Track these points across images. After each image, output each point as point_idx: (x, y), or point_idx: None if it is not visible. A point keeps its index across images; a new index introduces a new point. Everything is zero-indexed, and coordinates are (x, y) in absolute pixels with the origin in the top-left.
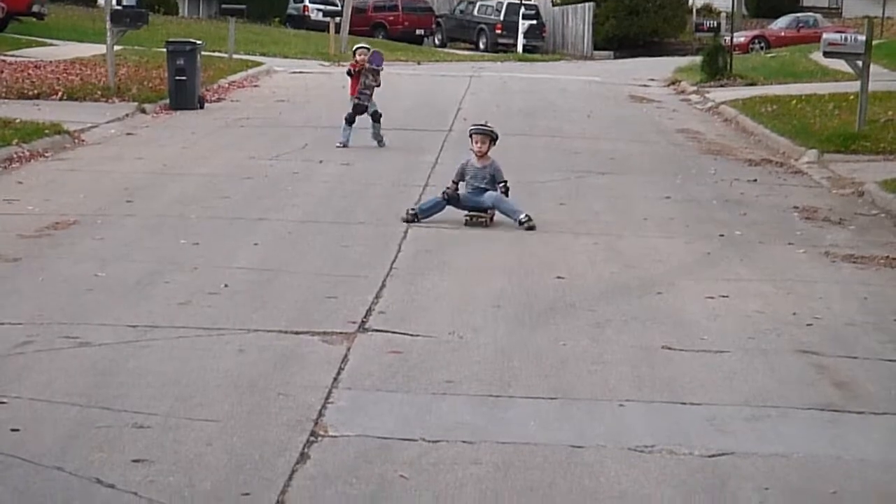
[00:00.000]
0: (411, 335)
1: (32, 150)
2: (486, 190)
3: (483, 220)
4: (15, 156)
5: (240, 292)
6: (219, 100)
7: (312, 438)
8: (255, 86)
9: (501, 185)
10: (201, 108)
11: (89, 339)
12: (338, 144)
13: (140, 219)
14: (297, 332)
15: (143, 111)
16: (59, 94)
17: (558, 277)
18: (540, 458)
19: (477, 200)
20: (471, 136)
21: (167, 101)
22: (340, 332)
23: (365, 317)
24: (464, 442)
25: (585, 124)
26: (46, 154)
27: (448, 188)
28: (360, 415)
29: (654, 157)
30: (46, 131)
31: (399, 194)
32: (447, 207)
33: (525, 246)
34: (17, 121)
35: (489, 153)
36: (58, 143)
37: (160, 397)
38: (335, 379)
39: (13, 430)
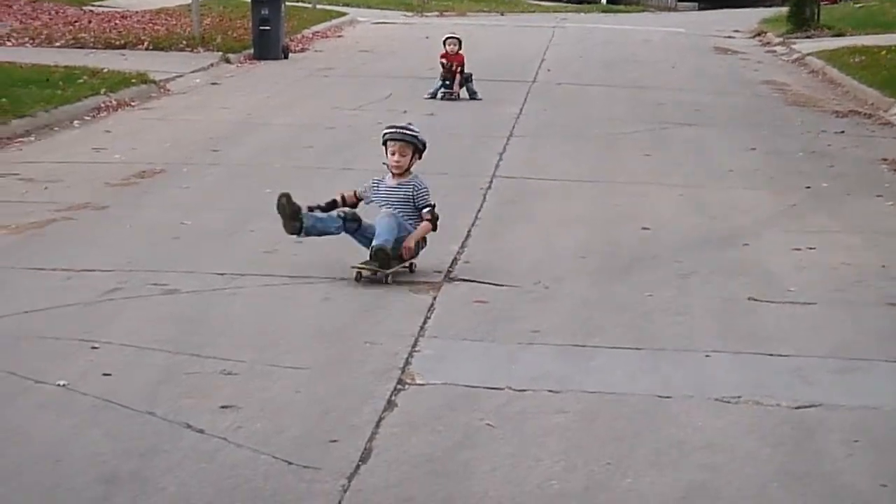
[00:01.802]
0: (496, 285)
1: (120, 100)
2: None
3: (379, 274)
4: (103, 105)
5: (324, 240)
6: (302, 50)
7: (399, 386)
8: (339, 36)
9: (426, 210)
10: (285, 58)
11: (177, 286)
12: (425, 96)
13: (225, 168)
14: (383, 281)
15: (228, 61)
16: (145, 43)
17: (643, 228)
18: (625, 407)
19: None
20: (385, 143)
21: (251, 50)
22: (426, 282)
23: (450, 266)
24: (549, 391)
25: (669, 76)
26: (133, 103)
27: (345, 200)
28: (446, 363)
29: (738, 108)
30: (133, 81)
31: (483, 145)
32: (342, 234)
33: (610, 197)
34: (105, 70)
35: (412, 168)
36: (144, 92)
37: (247, 345)
38: (421, 328)
39: (105, 374)
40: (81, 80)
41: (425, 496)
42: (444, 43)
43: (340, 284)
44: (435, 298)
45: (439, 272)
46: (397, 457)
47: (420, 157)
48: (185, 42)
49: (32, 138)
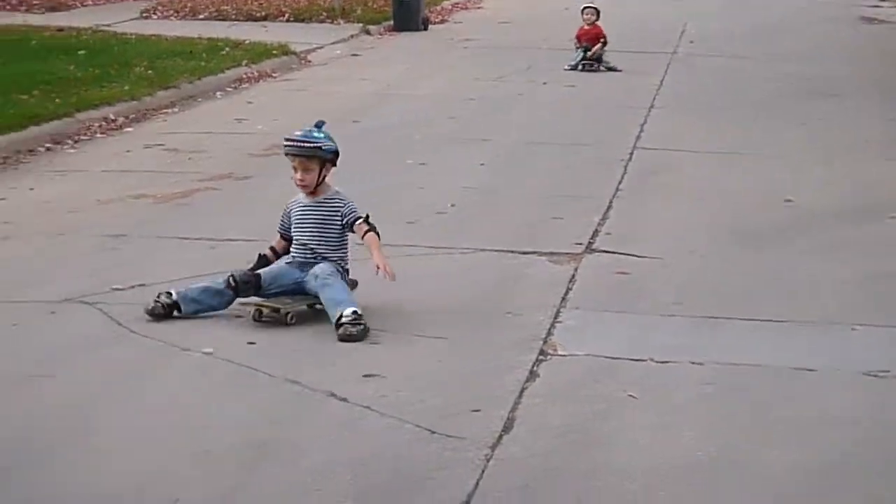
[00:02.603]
0: (638, 256)
1: (261, 71)
2: (322, 260)
3: (285, 314)
4: (245, 76)
5: (466, 212)
6: (442, 21)
7: (541, 357)
8: (479, 7)
9: (360, 222)
10: (425, 29)
11: None
12: (566, 67)
13: (366, 138)
14: (524, 252)
15: (368, 32)
16: (286, 15)
17: (787, 200)
18: (768, 379)
19: (295, 279)
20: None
21: (391, 22)
22: (567, 253)
23: (591, 237)
24: (691, 363)
25: (813, 46)
26: (274, 74)
27: (276, 251)
28: (588, 334)
29: (885, 80)
30: (274, 52)
31: (624, 116)
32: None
33: (753, 169)
34: (247, 42)
35: (327, 179)
36: (285, 63)
37: (389, 314)
38: (563, 299)
39: (249, 343)
40: (224, 52)
41: (569, 466)
42: (582, 12)
43: (482, 256)
44: (576, 270)
45: (580, 243)
46: (540, 427)
47: (334, 166)
48: (325, 14)
49: (177, 109)
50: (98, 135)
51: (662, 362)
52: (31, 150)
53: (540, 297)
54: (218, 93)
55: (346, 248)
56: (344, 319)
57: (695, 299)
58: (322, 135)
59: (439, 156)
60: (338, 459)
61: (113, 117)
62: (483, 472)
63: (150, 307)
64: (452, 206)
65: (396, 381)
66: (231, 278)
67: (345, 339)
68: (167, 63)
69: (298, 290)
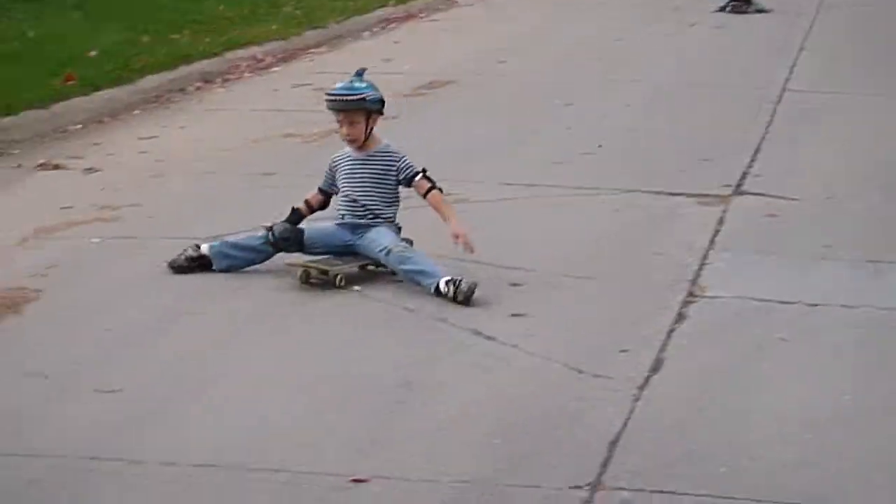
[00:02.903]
0: (787, 199)
1: (408, 11)
2: (374, 217)
3: (334, 276)
4: (391, 16)
5: (614, 153)
6: None
7: (690, 298)
8: None
9: (420, 178)
10: None
11: (466, 195)
12: (714, 9)
13: (513, 79)
14: (671, 194)
15: None
16: None
17: None
18: None
19: (345, 241)
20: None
21: None
22: (716, 195)
23: (740, 179)
24: (842, 306)
25: None
26: (421, 15)
27: (310, 205)
28: (737, 276)
29: None
30: None
31: (773, 58)
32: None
33: None
34: None
35: (374, 132)
36: (432, 4)
37: (536, 254)
38: (711, 240)
39: (398, 280)
40: None
41: (717, 408)
42: None
43: (629, 197)
44: (725, 211)
45: (728, 185)
46: (688, 368)
47: (381, 115)
48: None
49: (324, 49)
50: (246, 74)
51: (813, 305)
52: (181, 89)
53: (688, 239)
54: (365, 33)
55: (398, 204)
56: (443, 287)
57: (845, 243)
58: (365, 84)
59: (586, 97)
60: (485, 397)
61: (261, 57)
62: (631, 412)
63: (173, 260)
64: (599, 146)
65: (543, 320)
66: (271, 233)
67: (467, 297)
68: (315, 3)
69: (347, 252)
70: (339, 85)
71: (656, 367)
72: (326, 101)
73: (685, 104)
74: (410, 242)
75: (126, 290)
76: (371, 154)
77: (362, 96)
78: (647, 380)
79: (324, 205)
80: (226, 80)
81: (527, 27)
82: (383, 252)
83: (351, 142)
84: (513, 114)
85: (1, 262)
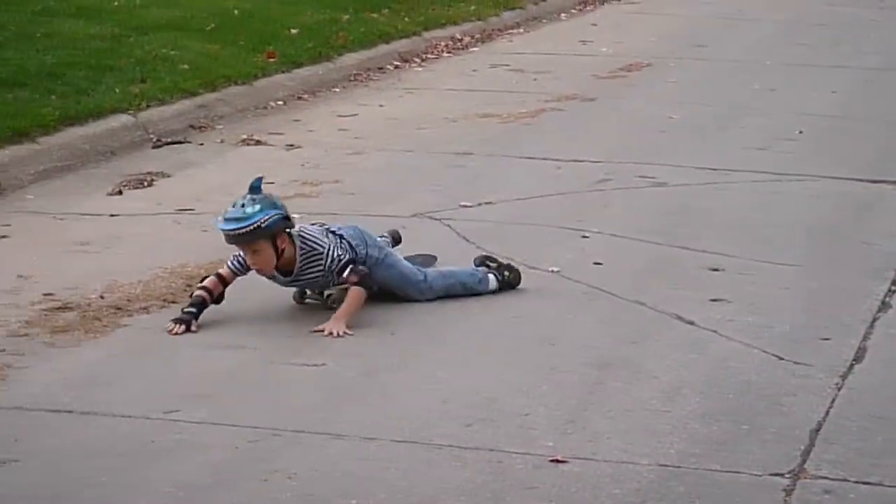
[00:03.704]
0: None
1: None
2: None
3: (327, 297)
4: None
5: (816, 139)
6: None
7: (894, 287)
8: None
9: (348, 273)
10: None
11: (665, 179)
12: None
13: (712, 63)
14: (874, 181)
15: None
16: None
17: None
18: None
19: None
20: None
21: None
22: None
23: None
24: None
25: None
26: None
27: (211, 294)
28: None
29: None
30: None
31: None
32: None
33: None
34: None
35: (286, 249)
36: None
37: (735, 239)
38: None
39: (595, 263)
40: None
41: None
42: None
43: (830, 183)
44: None
45: None
46: (892, 358)
47: (289, 231)
48: None
49: (522, 30)
50: (444, 54)
51: None
52: (380, 68)
53: (892, 227)
54: (562, 14)
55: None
56: (501, 278)
57: None
58: (257, 206)
59: (788, 82)
60: (685, 381)
61: (459, 36)
62: (833, 400)
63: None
64: (800, 132)
65: (743, 305)
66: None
67: (516, 281)
68: None
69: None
70: (229, 211)
71: (859, 356)
72: (225, 229)
73: (892, 90)
74: (433, 258)
75: None
76: (294, 272)
77: (254, 225)
78: (849, 368)
79: (223, 293)
80: (424, 60)
81: (730, 9)
82: (418, 292)
83: (258, 271)
84: (712, 97)
85: (205, 236)
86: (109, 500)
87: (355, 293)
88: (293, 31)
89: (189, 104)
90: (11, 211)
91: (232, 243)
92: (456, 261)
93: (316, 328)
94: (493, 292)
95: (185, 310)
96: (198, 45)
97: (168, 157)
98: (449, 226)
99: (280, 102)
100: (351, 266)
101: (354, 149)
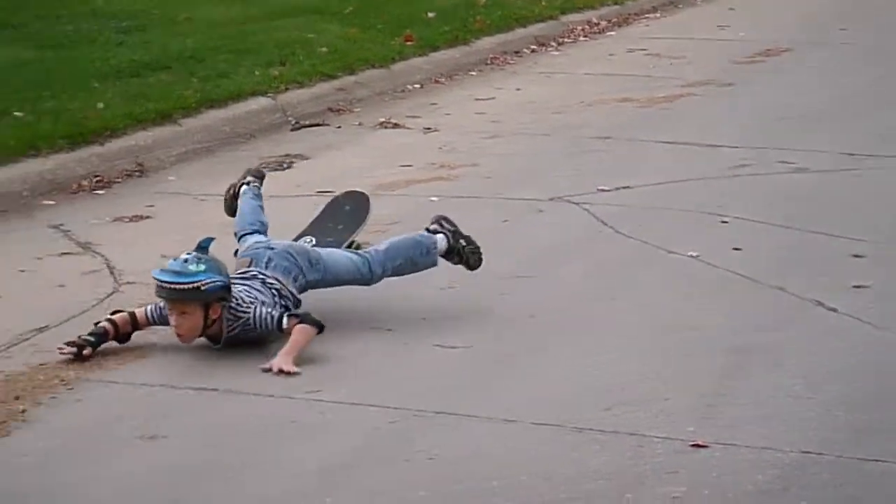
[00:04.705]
0: None
1: None
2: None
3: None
4: None
5: None
6: None
7: None
8: None
9: (289, 320)
10: None
11: (804, 164)
12: None
13: (853, 47)
14: None
15: None
16: None
17: None
18: None
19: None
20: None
21: None
22: None
23: None
24: None
25: None
26: None
27: (117, 328)
28: None
29: None
30: None
31: None
32: None
33: None
34: None
35: (216, 320)
36: None
37: (877, 225)
38: None
39: (734, 248)
40: None
41: None
42: None
43: None
44: None
45: None
46: None
47: (228, 301)
48: None
49: (658, 14)
50: (581, 38)
51: None
52: (516, 52)
53: None
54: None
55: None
56: (453, 241)
57: None
58: (202, 266)
59: None
60: (826, 368)
61: (596, 20)
62: None
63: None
64: None
65: (886, 293)
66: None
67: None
68: None
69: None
70: (170, 263)
71: None
72: (155, 285)
73: None
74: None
75: None
76: (226, 339)
77: (193, 285)
78: None
79: (130, 333)
80: (560, 44)
81: None
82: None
83: (179, 336)
84: (852, 83)
85: None
86: (253, 477)
87: (302, 331)
88: (430, 14)
89: (327, 87)
90: (155, 192)
91: (162, 297)
92: (594, 246)
93: (264, 366)
94: (444, 256)
95: (84, 336)
96: (336, 28)
97: (306, 140)
98: (587, 209)
99: (417, 86)
100: (287, 316)
101: (491, 132)
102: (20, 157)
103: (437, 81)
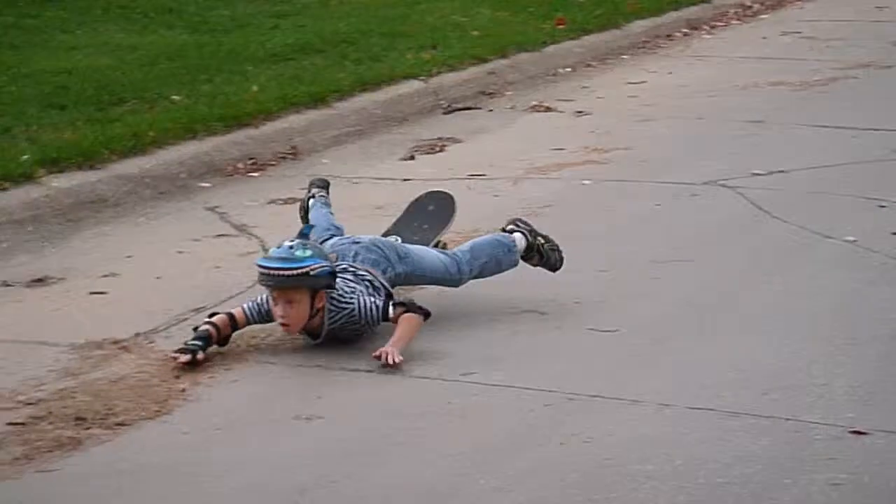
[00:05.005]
0: None
1: None
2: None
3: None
4: None
5: None
6: None
7: None
8: None
9: (391, 311)
10: None
11: None
12: None
13: None
14: None
15: None
16: None
17: None
18: None
19: None
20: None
21: None
22: None
23: None
24: None
25: None
26: None
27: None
28: None
29: None
30: None
31: None
32: None
33: None
34: None
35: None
36: None
37: None
38: None
39: (893, 233)
40: None
41: None
42: None
43: None
44: None
45: None
46: None
47: (333, 288)
48: None
49: None
50: (733, 21)
51: None
52: (668, 35)
53: None
54: None
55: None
56: (532, 239)
57: None
58: (308, 252)
59: None
60: None
61: (749, 4)
62: None
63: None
64: None
65: None
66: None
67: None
68: None
69: None
70: (273, 251)
71: None
72: (259, 274)
73: None
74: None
75: (619, 233)
76: (326, 333)
77: (304, 270)
78: None
79: (230, 335)
80: (713, 27)
81: None
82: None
83: (285, 327)
84: None
85: (497, 201)
86: (407, 458)
87: (409, 319)
88: None
89: (479, 70)
90: (309, 175)
91: (268, 286)
92: (749, 230)
93: (374, 353)
94: (524, 257)
95: (190, 342)
96: (488, 11)
97: (458, 123)
98: (741, 194)
99: (569, 69)
100: (392, 304)
101: (644, 116)
102: (178, 140)
103: (588, 65)
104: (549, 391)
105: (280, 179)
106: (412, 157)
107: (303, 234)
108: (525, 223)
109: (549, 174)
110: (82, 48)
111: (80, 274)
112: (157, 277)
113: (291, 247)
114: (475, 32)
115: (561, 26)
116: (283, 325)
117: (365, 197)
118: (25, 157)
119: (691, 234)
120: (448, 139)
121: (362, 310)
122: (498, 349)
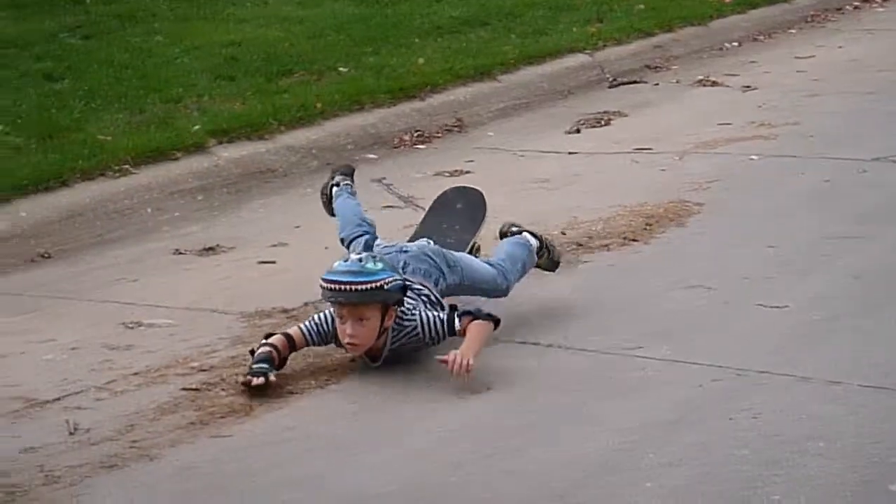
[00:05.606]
0: None
1: None
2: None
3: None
4: None
5: None
6: None
7: None
8: None
9: (457, 324)
10: None
11: None
12: None
13: None
14: None
15: None
16: None
17: None
18: None
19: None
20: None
21: None
22: None
23: None
24: None
25: None
26: None
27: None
28: None
29: None
30: None
31: None
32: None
33: None
34: None
35: (386, 321)
36: None
37: None
38: None
39: None
40: None
41: None
42: None
43: None
44: None
45: None
46: None
47: (401, 303)
48: None
49: None
50: None
51: None
52: (838, 9)
53: None
54: None
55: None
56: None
57: None
58: (379, 265)
59: None
60: None
61: None
62: None
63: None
64: None
65: None
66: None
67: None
68: None
69: None
70: (339, 265)
71: None
72: (325, 289)
73: None
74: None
75: (787, 208)
76: (385, 355)
77: (378, 283)
78: None
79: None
80: (886, 0)
81: None
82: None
83: (353, 347)
84: None
85: (664, 175)
86: (572, 432)
87: (479, 327)
88: None
89: (644, 44)
90: (474, 147)
91: (338, 302)
92: None
93: (441, 357)
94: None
95: (255, 366)
96: None
97: (624, 97)
98: None
99: (735, 44)
100: (457, 314)
101: (812, 91)
102: (344, 111)
103: (755, 39)
104: (718, 366)
105: (446, 152)
106: (578, 131)
107: (368, 247)
108: (515, 225)
109: (715, 149)
110: (251, 20)
111: (249, 243)
112: (326, 248)
113: (361, 259)
114: (640, 6)
115: (727, 1)
116: (350, 345)
117: (530, 171)
118: (196, 127)
119: (861, 211)
120: (613, 113)
121: (425, 324)
122: (665, 324)
